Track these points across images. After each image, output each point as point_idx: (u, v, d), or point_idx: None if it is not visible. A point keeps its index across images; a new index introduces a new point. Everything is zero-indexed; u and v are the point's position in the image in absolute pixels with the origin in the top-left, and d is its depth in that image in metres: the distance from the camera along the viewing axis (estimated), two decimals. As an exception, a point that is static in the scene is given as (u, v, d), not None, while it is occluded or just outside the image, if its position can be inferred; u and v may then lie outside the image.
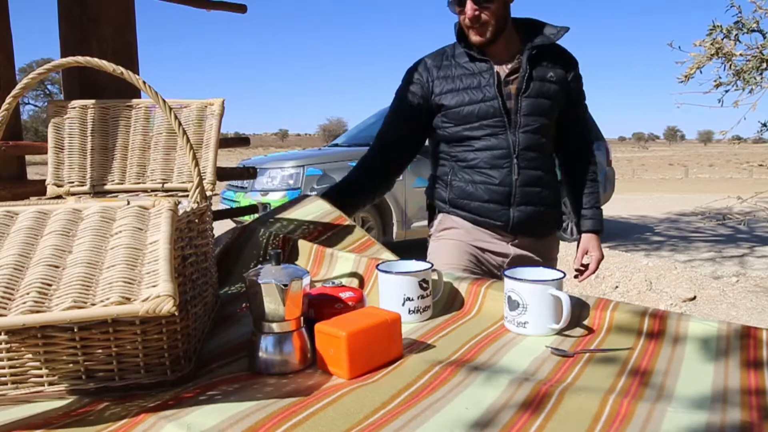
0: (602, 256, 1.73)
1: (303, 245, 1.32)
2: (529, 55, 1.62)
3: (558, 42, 1.68)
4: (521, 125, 1.63)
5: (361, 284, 1.18)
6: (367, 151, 1.82)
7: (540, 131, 1.65)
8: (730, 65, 3.97)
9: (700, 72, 4.05)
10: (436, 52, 1.75)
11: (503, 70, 1.65)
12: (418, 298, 1.01)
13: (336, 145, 6.64)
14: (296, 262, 1.28)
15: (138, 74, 1.09)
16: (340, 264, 1.25)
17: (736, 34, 3.90)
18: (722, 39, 3.89)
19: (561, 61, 1.69)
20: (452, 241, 1.67)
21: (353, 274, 1.21)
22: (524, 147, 1.64)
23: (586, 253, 1.74)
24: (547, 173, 1.69)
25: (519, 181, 1.64)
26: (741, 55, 3.92)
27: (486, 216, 1.68)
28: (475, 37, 1.61)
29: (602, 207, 1.79)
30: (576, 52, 1.74)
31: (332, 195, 1.69)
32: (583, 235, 1.75)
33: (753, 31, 3.89)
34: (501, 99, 1.61)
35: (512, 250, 1.69)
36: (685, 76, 4.04)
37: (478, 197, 1.67)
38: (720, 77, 4.06)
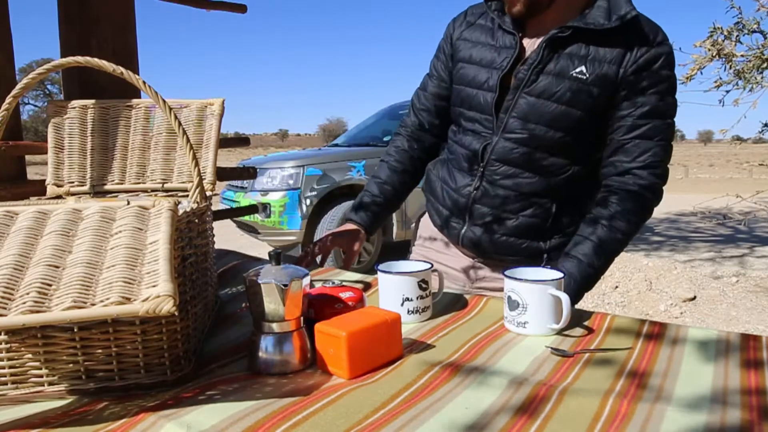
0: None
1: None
2: (553, 39, 1.16)
3: (629, 18, 1.13)
4: (505, 128, 1.21)
5: (367, 289, 1.20)
6: (397, 140, 1.46)
7: (532, 143, 1.20)
8: (731, 66, 3.98)
9: (701, 73, 4.06)
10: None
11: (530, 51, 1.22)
12: (417, 298, 1.01)
13: (336, 145, 6.64)
14: None
15: (138, 74, 1.09)
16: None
17: (737, 36, 3.91)
18: (723, 40, 3.90)
19: (618, 46, 1.14)
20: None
21: (359, 282, 1.24)
22: (499, 157, 1.22)
23: None
24: (533, 196, 1.23)
25: (477, 195, 1.26)
26: (742, 55, 3.92)
27: (441, 225, 1.36)
28: (508, 7, 1.21)
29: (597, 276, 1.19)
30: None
31: (375, 209, 1.41)
32: None
33: (754, 32, 3.90)
34: (497, 92, 1.21)
35: (485, 273, 1.34)
36: (687, 78, 4.06)
37: (438, 198, 1.35)
38: (720, 77, 4.07)
